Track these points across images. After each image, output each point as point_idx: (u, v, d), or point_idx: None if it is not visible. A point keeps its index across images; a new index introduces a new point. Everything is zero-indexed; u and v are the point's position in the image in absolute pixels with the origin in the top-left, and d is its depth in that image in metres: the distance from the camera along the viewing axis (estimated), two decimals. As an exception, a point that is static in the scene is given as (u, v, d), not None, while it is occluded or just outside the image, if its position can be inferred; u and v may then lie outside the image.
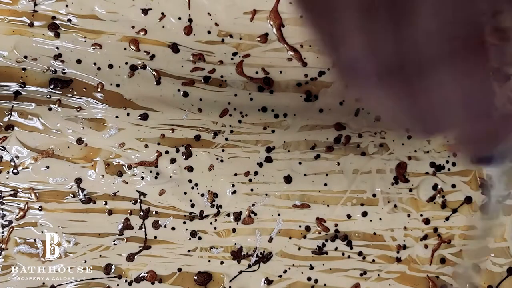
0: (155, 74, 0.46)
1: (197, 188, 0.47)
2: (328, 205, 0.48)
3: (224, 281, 0.47)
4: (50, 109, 0.46)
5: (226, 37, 0.46)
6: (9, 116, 0.46)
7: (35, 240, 0.46)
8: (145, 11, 0.46)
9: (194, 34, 0.46)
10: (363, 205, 0.48)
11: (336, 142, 0.47)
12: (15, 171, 0.46)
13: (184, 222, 0.47)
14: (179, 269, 0.46)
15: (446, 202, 0.48)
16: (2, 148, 0.46)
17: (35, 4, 0.45)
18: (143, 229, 0.46)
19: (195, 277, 0.46)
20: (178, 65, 0.46)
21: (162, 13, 0.46)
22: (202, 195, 0.47)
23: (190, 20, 0.46)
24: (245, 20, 0.46)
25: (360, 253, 0.47)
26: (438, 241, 0.48)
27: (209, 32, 0.46)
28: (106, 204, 0.46)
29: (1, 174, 0.46)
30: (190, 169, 0.47)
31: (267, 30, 0.47)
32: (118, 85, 0.46)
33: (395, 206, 0.47)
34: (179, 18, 0.46)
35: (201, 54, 0.46)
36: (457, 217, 0.48)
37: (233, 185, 0.47)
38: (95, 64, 0.46)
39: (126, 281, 0.46)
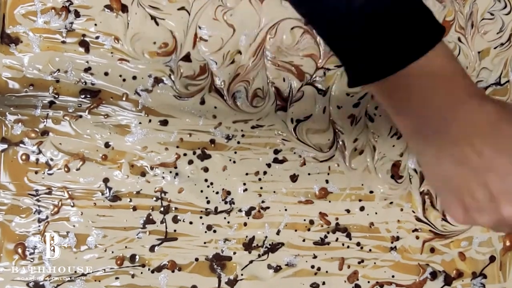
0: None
1: (212, 187, 0.50)
2: (329, 201, 0.51)
3: (236, 269, 0.50)
4: (81, 116, 0.49)
5: (237, 54, 0.50)
6: (45, 123, 0.49)
7: (67, 233, 0.49)
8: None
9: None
10: (361, 200, 0.51)
11: (336, 145, 0.51)
12: (50, 171, 0.49)
13: (201, 217, 0.50)
14: (196, 259, 0.50)
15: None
16: (39, 152, 0.49)
17: (70, 23, 0.49)
18: (164, 223, 0.50)
19: (212, 259, 0.49)
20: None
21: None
22: (217, 192, 0.50)
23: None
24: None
25: (358, 244, 0.51)
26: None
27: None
28: (130, 201, 0.49)
29: (38, 174, 0.49)
30: (205, 169, 0.50)
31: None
32: (140, 95, 0.49)
33: (391, 203, 0.51)
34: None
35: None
36: (445, 211, 0.51)
37: (244, 184, 0.50)
38: (120, 76, 0.49)
39: (149, 269, 0.49)
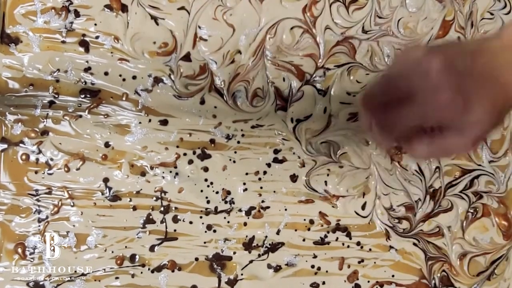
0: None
1: (212, 186, 0.50)
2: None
3: (236, 269, 0.50)
4: (80, 116, 0.49)
5: (237, 54, 0.50)
6: (45, 123, 0.49)
7: (67, 232, 0.49)
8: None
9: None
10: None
11: (335, 144, 0.51)
12: (50, 171, 0.49)
13: (201, 217, 0.50)
14: (196, 259, 0.50)
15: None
16: (39, 151, 0.49)
17: (70, 23, 0.49)
18: (164, 223, 0.50)
19: (212, 259, 0.50)
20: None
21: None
22: (217, 192, 0.50)
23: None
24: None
25: (358, 243, 0.51)
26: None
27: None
28: (130, 201, 0.49)
29: (38, 174, 0.49)
30: (205, 169, 0.50)
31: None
32: (140, 95, 0.49)
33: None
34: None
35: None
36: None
37: (244, 183, 0.50)
38: (120, 75, 0.49)
39: (149, 269, 0.49)
